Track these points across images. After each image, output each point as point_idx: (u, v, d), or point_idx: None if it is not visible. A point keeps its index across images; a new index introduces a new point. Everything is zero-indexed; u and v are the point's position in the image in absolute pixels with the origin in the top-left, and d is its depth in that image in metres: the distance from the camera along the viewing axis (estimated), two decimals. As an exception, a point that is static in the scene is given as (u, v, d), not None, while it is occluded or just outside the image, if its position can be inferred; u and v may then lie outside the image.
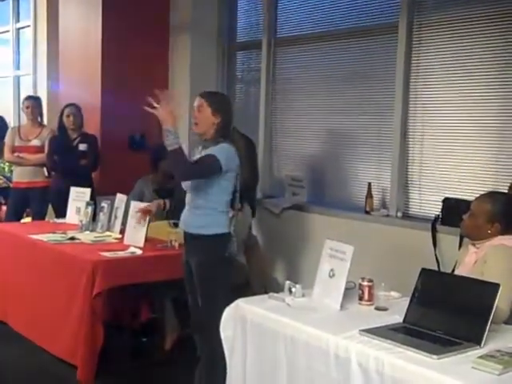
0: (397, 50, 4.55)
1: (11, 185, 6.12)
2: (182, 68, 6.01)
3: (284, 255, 5.31)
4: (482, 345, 2.29)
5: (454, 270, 3.32)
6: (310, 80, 5.34)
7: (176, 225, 4.06)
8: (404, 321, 2.57)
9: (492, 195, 3.01)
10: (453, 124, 4.32)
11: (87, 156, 5.53)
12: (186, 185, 3.48)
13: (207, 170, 3.32)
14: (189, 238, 3.50)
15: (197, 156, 3.46)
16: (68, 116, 5.53)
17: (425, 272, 2.64)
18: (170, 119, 3.20)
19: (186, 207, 3.48)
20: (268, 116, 5.66)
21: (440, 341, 2.34)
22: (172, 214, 4.35)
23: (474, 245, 2.93)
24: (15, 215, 5.84)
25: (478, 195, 3.11)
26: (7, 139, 5.87)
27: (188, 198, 3.47)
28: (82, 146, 5.55)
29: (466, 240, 3.19)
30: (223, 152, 3.33)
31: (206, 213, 3.39)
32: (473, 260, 2.86)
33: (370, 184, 4.70)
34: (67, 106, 5.61)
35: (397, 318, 2.62)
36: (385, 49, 4.72)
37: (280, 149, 5.65)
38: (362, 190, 4.80)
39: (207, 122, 3.38)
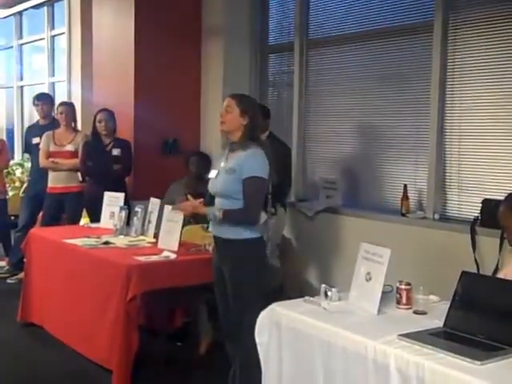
0: (432, 49, 4.46)
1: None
2: (215, 71, 6.01)
3: (318, 258, 5.25)
4: (526, 350, 2.21)
5: (494, 273, 3.23)
6: (343, 81, 5.28)
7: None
8: (444, 325, 2.50)
9: (506, 196, 2.91)
10: (491, 123, 4.21)
11: (120, 161, 5.55)
12: (214, 190, 3.46)
13: (262, 196, 3.38)
14: (221, 243, 3.46)
15: (221, 161, 3.45)
16: (100, 121, 5.55)
17: (465, 275, 2.57)
18: (198, 209, 3.54)
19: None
20: (301, 118, 5.61)
21: (482, 346, 2.28)
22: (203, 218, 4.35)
23: None
24: (51, 220, 5.90)
25: None
26: (42, 145, 5.94)
27: (218, 202, 3.43)
28: (116, 151, 5.57)
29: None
30: (258, 162, 3.33)
31: None
32: (521, 261, 2.78)
33: (405, 186, 4.61)
34: (100, 111, 5.63)
35: (437, 322, 2.55)
36: (420, 48, 4.63)
37: (313, 151, 5.60)
38: (398, 192, 4.71)
39: (234, 123, 3.39)
